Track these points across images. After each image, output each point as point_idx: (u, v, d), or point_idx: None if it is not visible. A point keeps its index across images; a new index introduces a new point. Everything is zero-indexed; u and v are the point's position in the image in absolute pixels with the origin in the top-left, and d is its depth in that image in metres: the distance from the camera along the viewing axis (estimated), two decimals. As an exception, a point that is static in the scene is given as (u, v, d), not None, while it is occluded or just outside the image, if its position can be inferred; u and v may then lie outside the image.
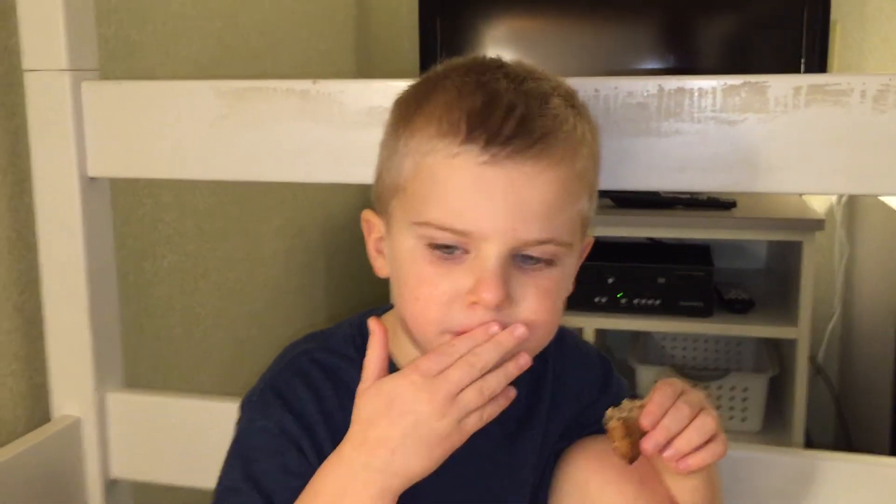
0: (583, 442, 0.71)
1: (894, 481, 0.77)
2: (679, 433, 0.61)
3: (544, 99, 0.60)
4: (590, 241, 0.68)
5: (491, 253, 0.58)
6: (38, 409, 0.94)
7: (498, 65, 0.63)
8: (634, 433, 0.61)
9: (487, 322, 0.59)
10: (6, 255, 0.90)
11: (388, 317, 0.70)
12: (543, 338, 0.62)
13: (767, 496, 0.79)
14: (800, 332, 1.62)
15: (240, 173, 0.86)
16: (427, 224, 0.59)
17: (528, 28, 1.93)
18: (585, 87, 0.76)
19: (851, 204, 2.02)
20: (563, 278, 0.62)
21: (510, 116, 0.58)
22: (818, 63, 1.73)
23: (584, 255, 0.67)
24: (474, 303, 0.59)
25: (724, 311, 1.72)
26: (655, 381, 1.86)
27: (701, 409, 0.62)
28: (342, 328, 0.71)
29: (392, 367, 0.67)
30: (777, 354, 1.83)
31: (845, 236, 2.03)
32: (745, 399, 1.75)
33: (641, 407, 0.61)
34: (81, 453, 0.93)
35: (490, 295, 0.58)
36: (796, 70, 1.74)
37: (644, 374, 1.79)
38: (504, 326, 0.59)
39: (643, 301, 1.71)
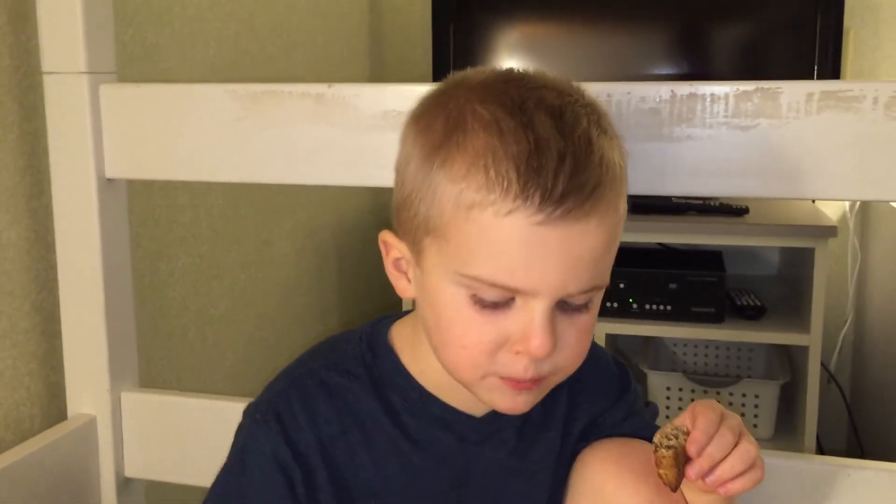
0: (600, 444, 0.71)
1: (905, 487, 0.78)
2: (722, 459, 0.61)
3: (587, 138, 0.58)
4: None
5: (540, 307, 0.58)
6: (54, 407, 0.95)
7: (531, 86, 0.60)
8: (681, 462, 0.61)
9: (532, 371, 0.59)
10: (25, 255, 0.91)
11: (404, 327, 0.70)
12: (579, 364, 0.64)
13: (779, 502, 0.79)
14: (812, 339, 1.62)
15: (255, 175, 0.87)
16: (476, 279, 0.58)
17: (541, 33, 1.94)
18: (598, 92, 0.76)
19: (864, 211, 2.01)
20: (596, 312, 0.63)
21: (561, 169, 0.55)
22: (831, 70, 1.73)
23: None
24: (520, 352, 0.59)
25: (735, 317, 1.72)
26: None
27: (741, 435, 0.62)
28: (352, 344, 0.70)
29: (408, 382, 0.67)
30: (789, 361, 1.83)
31: (858, 243, 2.02)
32: (756, 406, 1.75)
33: (686, 433, 0.61)
34: (96, 452, 0.94)
35: (541, 349, 0.58)
36: (809, 77, 1.74)
37: (655, 379, 1.79)
38: (542, 375, 0.60)
39: (654, 307, 1.71)
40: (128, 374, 0.95)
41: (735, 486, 0.61)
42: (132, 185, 1.01)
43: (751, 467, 0.61)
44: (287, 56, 1.54)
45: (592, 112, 0.60)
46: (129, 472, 0.95)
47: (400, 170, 0.63)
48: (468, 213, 0.57)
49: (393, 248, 0.65)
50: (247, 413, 0.69)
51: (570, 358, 0.61)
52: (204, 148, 0.87)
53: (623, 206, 0.61)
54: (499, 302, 0.58)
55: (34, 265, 0.93)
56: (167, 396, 0.95)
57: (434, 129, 0.60)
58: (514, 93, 0.59)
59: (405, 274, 0.65)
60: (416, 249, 0.62)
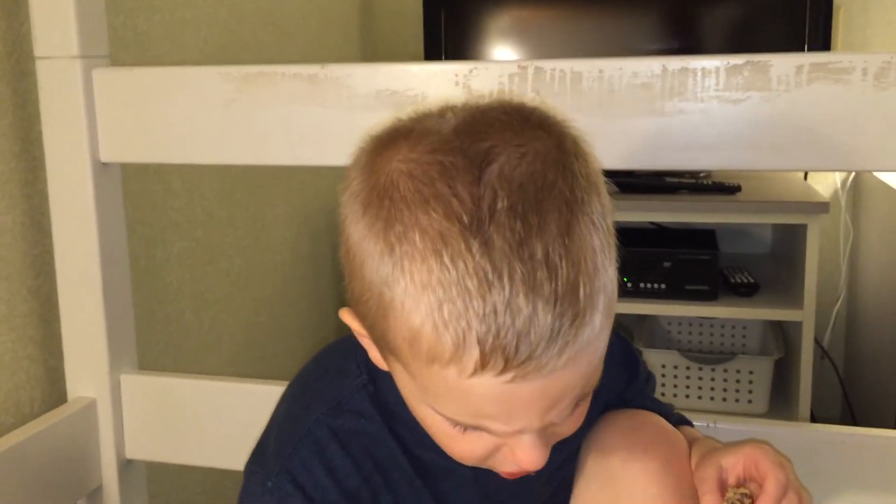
0: (607, 418, 0.70)
1: (897, 454, 0.79)
2: None
3: (555, 261, 0.47)
4: None
5: (526, 438, 0.53)
6: (53, 390, 0.96)
7: (483, 154, 0.49)
8: None
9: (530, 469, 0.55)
10: (21, 240, 0.92)
11: None
12: None
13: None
14: (805, 315, 1.63)
15: (249, 157, 0.87)
16: (449, 419, 0.52)
17: (532, 14, 1.94)
18: (590, 68, 0.77)
19: (856, 186, 2.02)
20: (588, 399, 0.57)
21: (527, 332, 0.47)
22: (822, 47, 1.74)
23: None
24: (507, 470, 0.56)
25: (729, 294, 1.73)
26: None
27: (802, 495, 0.62)
28: (351, 373, 0.64)
29: (408, 410, 0.59)
30: (782, 337, 1.84)
31: (850, 219, 2.03)
32: (750, 382, 1.76)
33: (749, 496, 0.62)
34: (97, 434, 0.94)
35: (533, 467, 0.54)
36: (800, 54, 1.74)
37: (650, 357, 1.80)
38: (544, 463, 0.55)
39: (649, 285, 1.72)
40: (126, 356, 0.96)
41: None
42: (126, 170, 1.01)
43: None
44: (279, 41, 1.54)
45: (568, 178, 0.50)
46: (130, 453, 0.96)
47: (350, 243, 0.53)
48: (429, 364, 0.49)
49: (357, 333, 0.58)
50: (255, 481, 0.63)
51: (569, 432, 0.57)
52: (197, 130, 0.87)
53: (613, 301, 0.52)
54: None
55: (30, 250, 0.93)
56: (166, 378, 0.96)
57: (372, 211, 0.50)
58: (465, 179, 0.48)
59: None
60: (383, 354, 0.55)
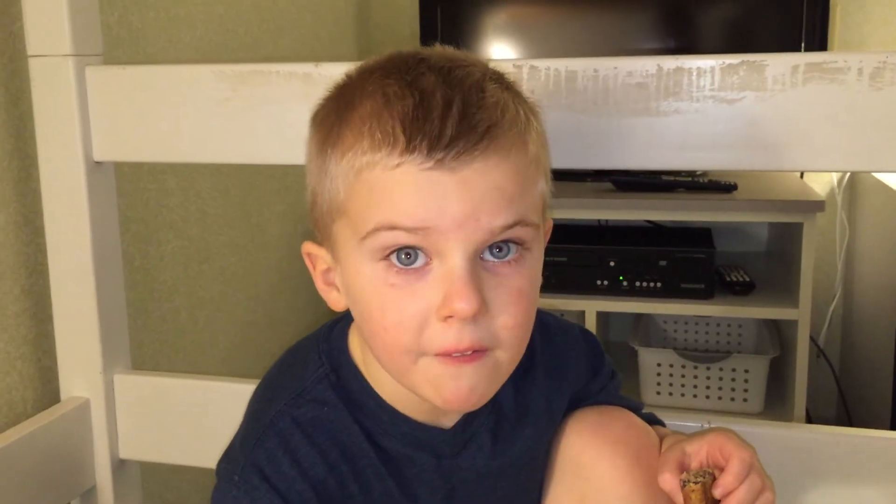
0: (576, 415, 0.70)
1: (893, 454, 0.79)
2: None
3: (479, 87, 0.56)
4: (550, 224, 0.64)
5: (456, 255, 0.54)
6: (46, 390, 0.96)
7: (419, 58, 0.58)
8: (709, 498, 0.62)
9: (466, 339, 0.54)
10: (13, 239, 0.91)
11: (354, 337, 0.66)
12: (524, 340, 0.59)
13: (770, 471, 0.80)
14: (801, 314, 1.63)
15: (243, 156, 0.87)
16: (375, 230, 0.55)
17: (528, 12, 1.94)
18: (585, 67, 0.76)
19: (852, 185, 2.02)
20: (534, 271, 0.59)
21: (448, 115, 0.54)
22: (818, 46, 1.74)
23: (547, 239, 0.64)
24: (448, 317, 0.54)
25: (725, 293, 1.73)
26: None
27: (765, 480, 0.64)
28: (311, 364, 0.65)
29: (377, 403, 0.63)
30: (778, 336, 1.84)
31: (846, 218, 2.03)
32: (746, 380, 1.76)
33: (711, 474, 0.63)
34: (90, 434, 0.94)
35: (465, 304, 0.53)
36: (797, 52, 1.74)
37: (646, 356, 1.80)
38: (480, 344, 0.55)
39: (644, 284, 1.72)
40: (120, 356, 0.95)
41: None
42: (120, 168, 1.00)
43: None
44: (274, 38, 1.53)
45: (490, 71, 0.59)
46: (124, 453, 0.96)
47: (306, 174, 0.62)
48: (358, 177, 0.56)
49: (317, 258, 0.63)
50: (223, 476, 0.63)
51: (509, 327, 0.56)
52: (192, 129, 0.87)
53: (535, 149, 0.58)
54: (412, 256, 0.55)
55: (23, 249, 0.93)
56: (160, 378, 0.95)
57: (325, 118, 0.60)
58: (400, 64, 0.58)
59: (334, 285, 0.62)
60: (331, 244, 0.60)
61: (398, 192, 0.54)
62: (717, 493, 0.62)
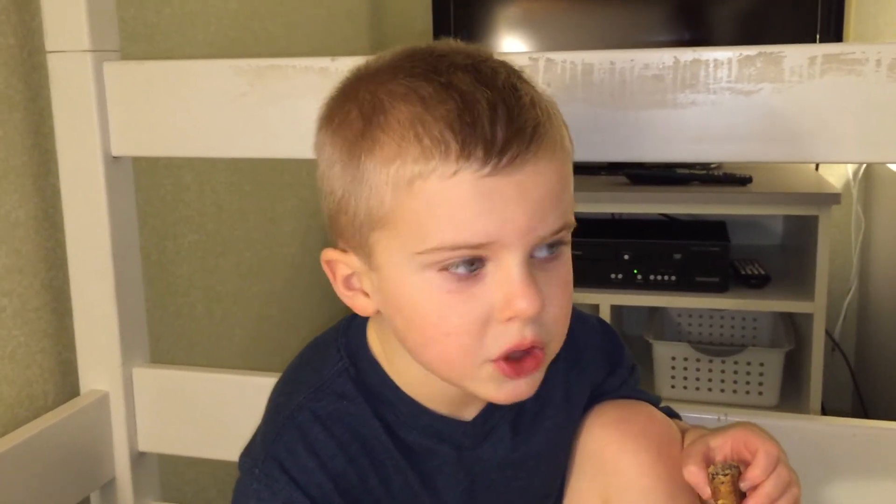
0: (597, 409, 0.71)
1: (910, 447, 0.78)
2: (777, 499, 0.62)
3: (511, 85, 0.55)
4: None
5: (514, 260, 0.54)
6: (66, 384, 0.96)
7: (438, 55, 0.57)
8: (736, 491, 0.61)
9: (529, 336, 0.55)
10: (33, 234, 0.92)
11: (373, 332, 0.65)
12: (567, 330, 0.60)
13: (784, 463, 0.80)
14: (816, 307, 1.62)
15: (260, 150, 0.88)
16: (437, 250, 0.54)
17: (543, 8, 1.93)
18: (601, 60, 0.76)
19: (867, 178, 2.01)
20: (569, 263, 0.60)
21: (496, 117, 0.53)
22: (833, 38, 1.73)
23: None
24: (510, 318, 0.55)
25: (740, 286, 1.73)
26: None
27: (791, 474, 0.63)
28: (331, 360, 0.65)
29: (396, 395, 0.63)
30: (793, 329, 1.84)
31: (861, 210, 2.02)
32: (761, 374, 1.76)
33: (737, 467, 0.62)
34: (109, 427, 0.95)
35: (529, 305, 0.54)
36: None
37: (661, 349, 1.80)
38: (541, 339, 0.56)
39: (659, 277, 1.71)
40: (139, 349, 0.96)
41: None
42: (137, 164, 1.01)
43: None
44: (288, 33, 1.54)
45: (508, 65, 0.58)
46: (143, 446, 0.96)
47: (324, 178, 0.59)
48: (410, 189, 0.53)
49: (339, 264, 0.61)
50: (244, 470, 0.64)
51: (558, 318, 0.58)
52: (209, 124, 0.88)
53: (567, 141, 0.59)
54: (469, 273, 0.54)
55: (43, 244, 0.94)
56: (178, 371, 0.96)
57: (350, 121, 0.56)
58: (422, 63, 0.56)
59: (359, 290, 0.61)
60: (366, 252, 0.58)
61: (458, 205, 0.53)
62: (745, 485, 0.61)
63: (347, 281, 0.61)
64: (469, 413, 0.65)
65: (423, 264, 0.55)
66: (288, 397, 0.65)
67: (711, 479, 0.62)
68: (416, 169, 0.53)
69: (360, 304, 0.61)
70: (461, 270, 0.54)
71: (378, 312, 0.61)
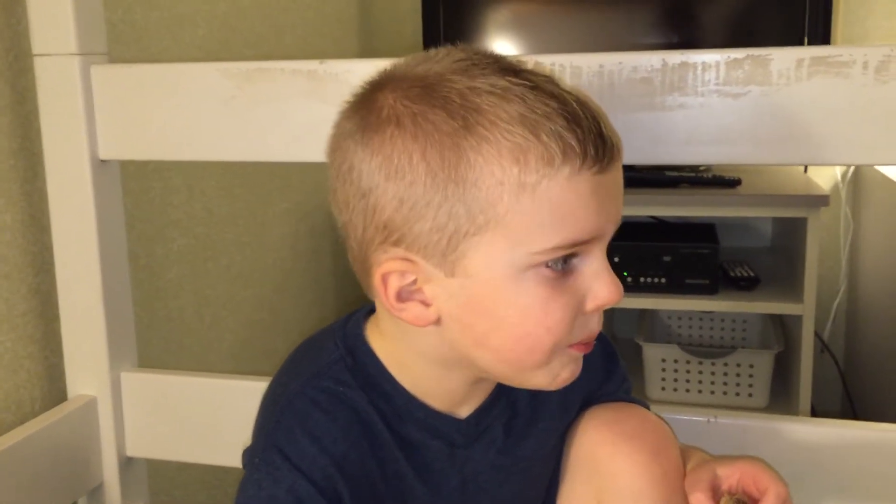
0: (591, 411, 0.71)
1: (899, 448, 0.79)
2: None
3: (585, 97, 0.57)
4: None
5: (602, 252, 0.57)
6: (54, 388, 0.96)
7: (494, 56, 0.58)
8: None
9: (601, 323, 0.60)
10: (20, 237, 0.92)
11: (375, 325, 0.65)
12: None
13: (776, 464, 0.80)
14: (805, 309, 1.63)
15: (249, 154, 0.87)
16: (555, 249, 0.55)
17: (531, 7, 1.93)
18: (589, 63, 0.77)
19: (856, 180, 2.02)
20: None
21: (593, 118, 0.55)
22: (821, 41, 1.73)
23: None
24: (598, 307, 0.58)
25: (729, 288, 1.73)
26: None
27: None
28: (328, 350, 0.65)
29: (393, 387, 0.63)
30: (783, 331, 1.84)
31: (850, 212, 2.03)
32: (750, 375, 1.76)
33: (744, 502, 0.62)
34: (97, 432, 0.94)
35: (619, 293, 0.57)
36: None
37: (650, 351, 1.80)
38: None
39: (649, 279, 1.72)
40: (127, 354, 0.96)
41: None
42: (125, 167, 1.01)
43: None
44: (277, 36, 1.54)
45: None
46: (131, 451, 0.96)
47: (381, 188, 0.56)
48: (535, 190, 0.54)
49: (395, 275, 0.58)
50: (246, 462, 0.63)
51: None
52: (197, 127, 0.87)
53: None
54: (565, 268, 0.56)
55: (30, 248, 0.93)
56: (166, 376, 0.96)
57: (433, 121, 0.54)
58: (482, 62, 0.57)
59: (417, 301, 0.58)
60: (450, 260, 0.56)
61: (580, 205, 0.55)
62: None
63: (401, 293, 0.58)
64: (464, 411, 0.65)
65: (529, 264, 0.55)
66: (284, 387, 0.64)
67: (717, 501, 0.62)
68: (541, 170, 0.54)
69: (414, 315, 0.59)
70: (559, 267, 0.56)
71: (437, 322, 0.59)
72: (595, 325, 0.59)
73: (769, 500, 0.62)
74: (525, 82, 0.55)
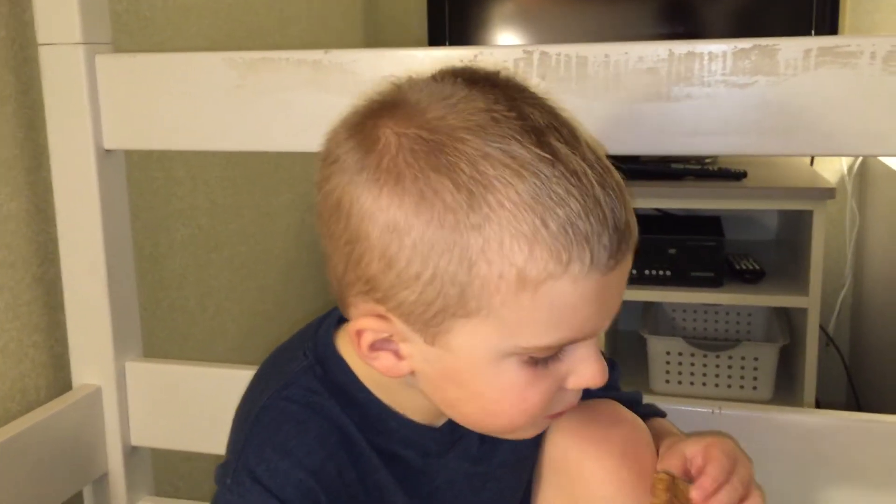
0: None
1: (904, 441, 0.78)
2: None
3: (593, 152, 0.53)
4: None
5: (593, 339, 0.55)
6: (59, 378, 0.96)
7: (509, 99, 0.53)
8: (680, 497, 0.60)
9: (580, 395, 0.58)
10: (25, 227, 0.92)
11: (346, 333, 0.60)
12: None
13: (783, 456, 0.80)
14: (810, 302, 1.63)
15: (253, 143, 0.87)
16: (548, 347, 0.52)
17: (537, 2, 1.93)
18: (595, 53, 0.76)
19: (862, 173, 2.01)
20: None
21: (611, 204, 0.51)
22: (829, 32, 1.73)
23: None
24: (578, 387, 0.56)
25: (735, 281, 1.73)
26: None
27: (751, 487, 0.61)
28: (297, 360, 0.62)
29: (366, 396, 0.61)
30: (788, 324, 1.84)
31: (856, 205, 2.02)
32: (755, 368, 1.76)
33: (690, 481, 0.61)
34: (102, 421, 0.94)
35: (604, 377, 0.55)
36: (807, 39, 1.73)
37: (655, 344, 1.80)
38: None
39: (654, 272, 1.71)
40: (131, 344, 0.96)
41: None
42: (129, 158, 1.00)
43: None
44: (281, 28, 1.53)
45: (564, 116, 0.55)
46: (136, 440, 0.96)
47: (370, 242, 0.52)
48: (537, 290, 0.50)
49: (367, 332, 0.55)
50: (218, 481, 0.61)
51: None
52: (202, 117, 0.87)
53: None
54: (550, 355, 0.54)
55: (35, 238, 0.93)
56: (171, 365, 0.96)
57: (438, 189, 0.50)
58: (507, 118, 0.51)
59: (390, 351, 0.56)
60: (431, 332, 0.53)
61: (582, 307, 0.51)
62: (695, 496, 0.59)
63: (375, 343, 0.56)
64: (439, 420, 0.63)
65: (515, 353, 0.53)
66: (253, 402, 0.62)
67: (655, 475, 0.61)
68: (547, 268, 0.49)
69: (386, 366, 0.56)
70: (544, 354, 0.54)
71: (411, 373, 0.57)
72: (573, 398, 0.58)
73: (711, 469, 0.60)
74: (546, 154, 0.50)
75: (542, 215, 0.49)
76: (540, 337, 0.52)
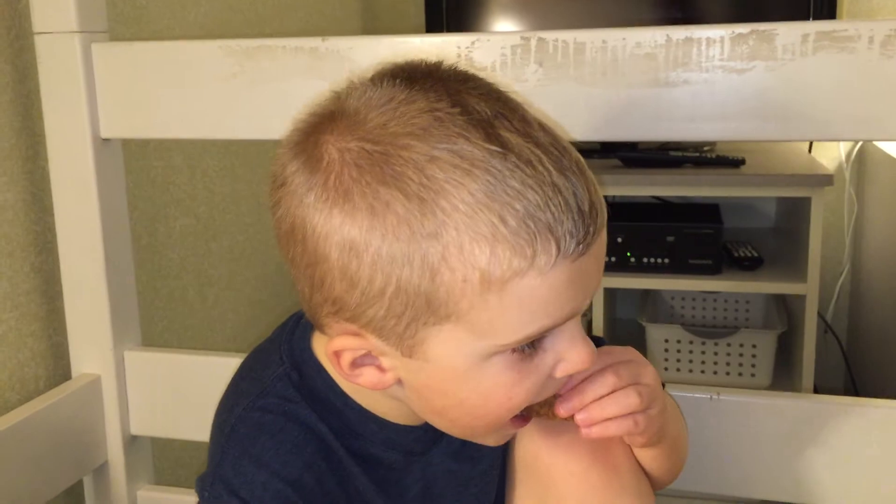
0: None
1: (902, 425, 0.79)
2: (597, 400, 0.58)
3: (554, 138, 0.51)
4: None
5: (577, 322, 0.53)
6: (58, 367, 0.96)
7: (453, 91, 0.50)
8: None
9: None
10: (23, 217, 0.91)
11: (322, 336, 0.59)
12: None
13: (782, 440, 0.80)
14: (809, 289, 1.63)
15: (251, 132, 0.87)
16: (526, 338, 0.51)
17: (535, -12, 1.92)
18: (593, 39, 0.76)
19: (860, 159, 2.01)
20: None
21: (576, 192, 0.49)
22: (827, 16, 1.72)
23: None
24: (567, 374, 0.55)
25: (733, 268, 1.73)
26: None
27: (632, 385, 0.59)
28: (272, 366, 0.61)
29: (344, 401, 0.60)
30: (786, 311, 1.84)
31: (854, 192, 2.02)
32: (754, 356, 1.76)
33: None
34: (101, 410, 0.94)
35: (593, 358, 0.54)
36: (805, 25, 1.73)
37: (654, 332, 1.80)
38: None
39: (652, 260, 1.71)
40: (130, 333, 0.96)
41: (597, 430, 0.58)
42: (127, 147, 1.00)
43: (627, 417, 0.58)
44: (279, 16, 1.53)
45: (514, 100, 0.53)
46: (135, 429, 0.96)
47: (330, 264, 0.51)
48: (503, 288, 0.48)
49: (345, 352, 0.54)
50: (198, 493, 0.60)
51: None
52: (198, 105, 0.87)
53: None
54: (533, 347, 0.53)
55: (33, 227, 0.93)
56: (171, 354, 0.96)
57: (386, 202, 0.48)
58: (451, 115, 0.49)
59: (372, 366, 0.55)
60: (407, 344, 0.52)
61: (554, 297, 0.50)
62: (565, 385, 0.58)
63: (355, 361, 0.55)
64: (419, 419, 0.62)
65: (494, 353, 0.52)
66: (229, 412, 0.61)
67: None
68: (511, 267, 0.48)
69: (370, 382, 0.55)
70: (527, 348, 0.52)
71: (398, 383, 0.56)
72: (553, 389, 0.57)
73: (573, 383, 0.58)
74: (495, 148, 0.48)
75: (499, 212, 0.47)
76: (516, 332, 0.51)
